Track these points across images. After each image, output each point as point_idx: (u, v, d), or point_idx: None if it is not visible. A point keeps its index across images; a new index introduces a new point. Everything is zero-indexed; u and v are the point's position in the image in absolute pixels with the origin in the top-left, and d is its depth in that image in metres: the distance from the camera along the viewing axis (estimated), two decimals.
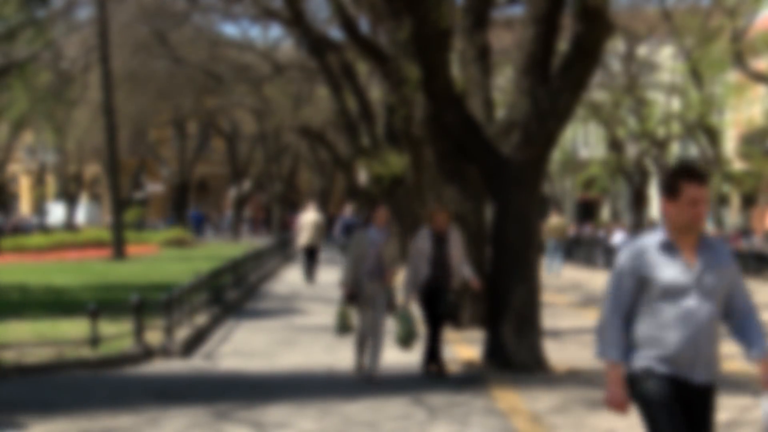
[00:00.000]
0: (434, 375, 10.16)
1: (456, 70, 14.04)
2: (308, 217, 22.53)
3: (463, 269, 10.31)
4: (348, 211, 26.91)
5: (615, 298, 4.55)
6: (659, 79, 36.18)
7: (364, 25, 21.88)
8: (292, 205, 52.21)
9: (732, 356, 11.72)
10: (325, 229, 22.99)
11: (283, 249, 32.97)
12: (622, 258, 4.56)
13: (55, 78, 34.15)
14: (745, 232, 30.65)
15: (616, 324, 4.53)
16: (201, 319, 14.08)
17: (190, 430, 7.93)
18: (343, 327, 10.28)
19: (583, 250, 34.42)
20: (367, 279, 10.05)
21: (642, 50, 35.05)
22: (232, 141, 53.65)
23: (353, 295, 10.12)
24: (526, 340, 10.52)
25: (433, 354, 10.23)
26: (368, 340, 10.15)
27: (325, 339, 12.95)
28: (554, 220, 27.04)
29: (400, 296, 10.63)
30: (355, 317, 10.30)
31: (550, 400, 8.92)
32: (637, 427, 7.86)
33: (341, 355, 11.60)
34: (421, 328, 10.39)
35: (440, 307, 10.05)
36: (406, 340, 10.08)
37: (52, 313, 14.45)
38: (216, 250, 34.84)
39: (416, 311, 10.43)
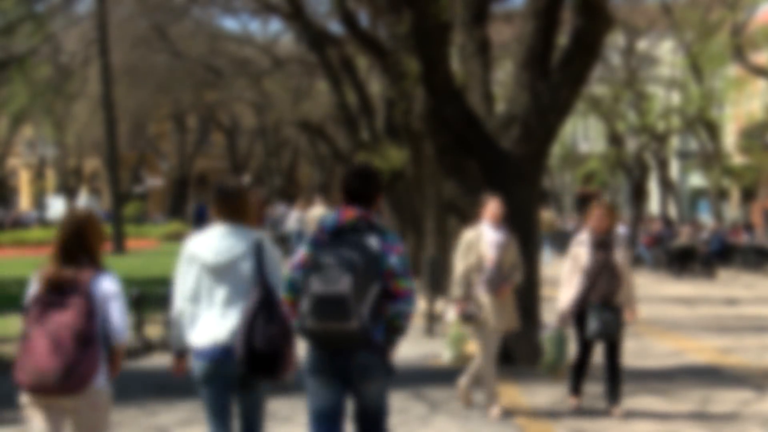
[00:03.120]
0: (573, 408, 8.30)
1: (456, 64, 14.02)
2: (315, 211, 22.97)
3: (631, 291, 8.20)
4: None
5: None
6: (659, 73, 36.13)
7: (363, 19, 21.84)
8: (291, 199, 52.27)
9: (731, 350, 11.75)
10: None
11: (282, 243, 32.95)
12: None
13: (55, 72, 34.12)
14: (748, 226, 30.66)
15: None
16: None
17: (190, 424, 7.94)
18: (458, 355, 8.45)
19: None
20: (487, 290, 8.01)
21: (642, 44, 35.00)
22: (232, 135, 53.67)
23: (470, 313, 7.99)
24: (527, 334, 10.51)
25: (578, 383, 8.32)
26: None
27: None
28: (542, 214, 27.11)
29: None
30: (471, 342, 8.39)
31: (550, 395, 8.93)
32: (636, 422, 7.88)
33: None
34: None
35: (592, 327, 7.96)
36: (553, 367, 8.40)
37: None
38: None
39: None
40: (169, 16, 30.57)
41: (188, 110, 49.11)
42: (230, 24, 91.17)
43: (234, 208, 5.22)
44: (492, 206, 8.13)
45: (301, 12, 22.32)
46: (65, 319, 4.74)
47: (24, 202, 59.78)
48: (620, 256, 8.08)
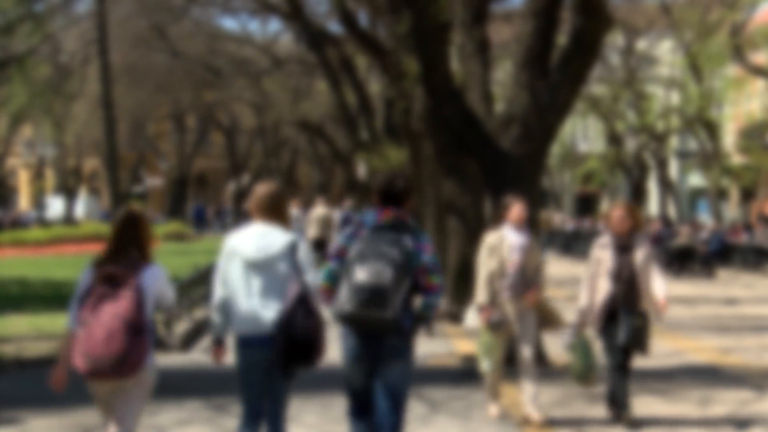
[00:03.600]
0: (630, 425, 7.68)
1: (455, 63, 14.02)
2: (316, 212, 23.36)
3: (654, 285, 7.74)
4: (347, 205, 27.07)
5: None
6: (658, 73, 36.14)
7: (363, 18, 21.84)
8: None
9: (731, 350, 11.74)
10: (332, 222, 23.46)
11: None
12: None
13: (54, 72, 34.10)
14: (747, 226, 30.65)
15: None
16: (200, 312, 14.08)
17: (189, 424, 7.94)
18: (495, 364, 7.97)
19: (582, 243, 34.43)
20: (510, 296, 7.77)
21: (641, 44, 35.02)
22: (231, 135, 53.61)
23: (497, 320, 7.77)
24: None
25: (616, 398, 7.81)
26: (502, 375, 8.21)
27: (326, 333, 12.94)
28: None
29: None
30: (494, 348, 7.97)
31: (549, 394, 8.92)
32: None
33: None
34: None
35: (622, 334, 7.60)
36: (584, 375, 7.82)
37: (51, 306, 14.45)
38: (215, 244, 34.81)
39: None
40: (168, 16, 30.57)
41: (187, 110, 49.09)
42: (229, 24, 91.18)
43: (272, 209, 5.74)
44: (517, 209, 7.80)
45: (301, 12, 22.31)
46: (118, 310, 5.20)
47: (23, 202, 59.75)
48: (642, 258, 7.68)
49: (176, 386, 9.53)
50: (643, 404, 8.52)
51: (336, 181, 51.83)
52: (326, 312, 5.62)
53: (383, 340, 5.41)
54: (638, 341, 7.64)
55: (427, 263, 5.44)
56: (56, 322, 12.87)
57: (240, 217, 52.46)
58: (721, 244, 26.90)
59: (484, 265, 7.78)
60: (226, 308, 5.70)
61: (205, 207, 56.41)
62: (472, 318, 7.91)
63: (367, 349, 5.48)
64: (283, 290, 5.55)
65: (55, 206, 52.40)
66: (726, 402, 8.65)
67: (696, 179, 42.15)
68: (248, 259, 5.61)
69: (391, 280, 5.21)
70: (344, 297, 5.30)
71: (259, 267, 5.60)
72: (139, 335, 5.20)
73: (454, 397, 8.84)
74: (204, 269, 15.30)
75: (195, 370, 10.57)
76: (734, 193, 40.41)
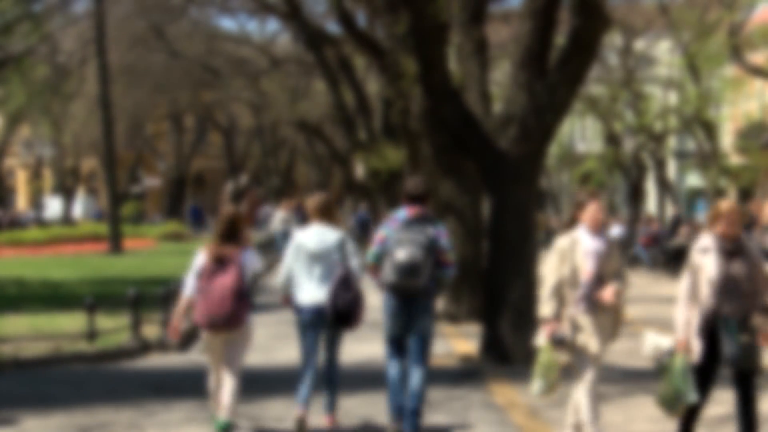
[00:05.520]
0: None
1: (453, 64, 14.02)
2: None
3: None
4: (359, 208, 27.02)
5: None
6: (656, 73, 36.13)
7: (361, 18, 21.84)
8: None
9: None
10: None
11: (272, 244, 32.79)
12: None
13: (52, 72, 34.06)
14: (747, 226, 30.62)
15: None
16: None
17: (187, 424, 7.93)
18: (548, 386, 6.91)
19: None
20: (583, 308, 6.80)
21: (639, 44, 35.01)
22: (229, 135, 53.56)
23: (560, 336, 6.80)
24: (523, 334, 10.51)
25: (689, 422, 6.92)
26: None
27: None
28: None
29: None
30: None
31: None
32: (635, 421, 7.88)
33: (341, 350, 11.57)
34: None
35: (726, 349, 6.57)
36: (672, 402, 6.74)
37: (49, 307, 14.44)
38: None
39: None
40: (166, 16, 30.57)
41: (185, 110, 49.06)
42: (227, 24, 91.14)
43: (325, 212, 7.80)
44: (593, 209, 6.86)
45: (299, 12, 22.31)
46: (227, 280, 7.23)
47: (21, 202, 59.69)
48: (753, 263, 6.70)
49: (176, 386, 9.52)
50: (641, 404, 8.52)
51: (334, 181, 51.81)
52: (370, 284, 7.66)
53: (415, 300, 7.32)
54: (748, 360, 6.61)
55: (444, 245, 7.38)
56: (54, 322, 12.86)
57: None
58: None
59: (553, 272, 6.84)
60: (290, 281, 7.69)
61: (202, 207, 56.35)
62: (541, 335, 6.95)
63: (403, 307, 7.36)
64: (333, 274, 7.54)
65: (53, 206, 52.30)
66: (725, 402, 8.65)
67: (694, 179, 42.15)
68: (310, 251, 7.62)
69: (421, 258, 7.17)
70: (388, 272, 7.25)
71: (319, 257, 7.61)
72: (242, 299, 7.22)
73: (453, 397, 8.84)
74: None
75: (194, 370, 10.55)
76: (732, 194, 40.42)
